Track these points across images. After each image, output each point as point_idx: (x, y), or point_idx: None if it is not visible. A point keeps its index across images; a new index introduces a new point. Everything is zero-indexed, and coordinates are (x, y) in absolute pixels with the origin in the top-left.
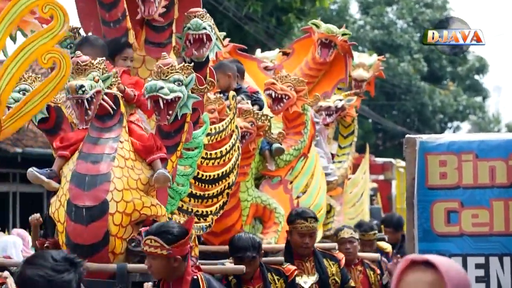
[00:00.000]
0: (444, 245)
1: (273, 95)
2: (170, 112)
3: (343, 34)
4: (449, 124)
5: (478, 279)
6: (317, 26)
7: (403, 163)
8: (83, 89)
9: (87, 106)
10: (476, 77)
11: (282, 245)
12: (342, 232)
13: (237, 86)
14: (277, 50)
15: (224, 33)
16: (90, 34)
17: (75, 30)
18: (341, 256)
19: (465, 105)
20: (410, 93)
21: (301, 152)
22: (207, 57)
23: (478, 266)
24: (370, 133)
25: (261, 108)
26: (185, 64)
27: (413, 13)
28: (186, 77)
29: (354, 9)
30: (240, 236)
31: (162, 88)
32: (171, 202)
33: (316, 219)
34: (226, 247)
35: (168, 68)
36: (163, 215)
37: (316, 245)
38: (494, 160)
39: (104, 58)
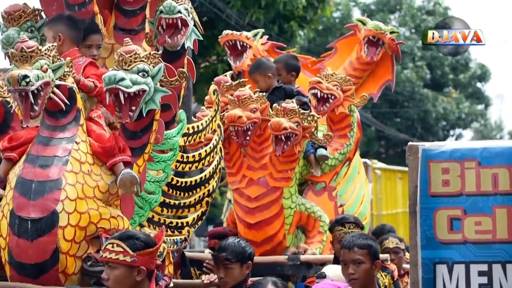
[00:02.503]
0: (447, 253)
1: (319, 94)
2: (133, 108)
3: (391, 32)
4: (451, 132)
5: (481, 287)
6: (363, 23)
7: (380, 164)
8: (27, 79)
9: (33, 100)
10: (478, 84)
11: (328, 256)
12: (387, 241)
13: (278, 84)
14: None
15: (263, 30)
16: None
17: (36, 12)
18: (393, 267)
19: (467, 113)
20: (413, 100)
21: (347, 157)
22: (183, 46)
23: (481, 273)
24: (372, 140)
25: None
26: (152, 52)
27: (415, 20)
28: (153, 67)
29: (357, 17)
30: (228, 238)
31: (123, 79)
32: (139, 213)
33: (357, 225)
34: (268, 258)
35: (131, 57)
36: (125, 229)
37: None
38: (497, 167)
39: (77, 45)
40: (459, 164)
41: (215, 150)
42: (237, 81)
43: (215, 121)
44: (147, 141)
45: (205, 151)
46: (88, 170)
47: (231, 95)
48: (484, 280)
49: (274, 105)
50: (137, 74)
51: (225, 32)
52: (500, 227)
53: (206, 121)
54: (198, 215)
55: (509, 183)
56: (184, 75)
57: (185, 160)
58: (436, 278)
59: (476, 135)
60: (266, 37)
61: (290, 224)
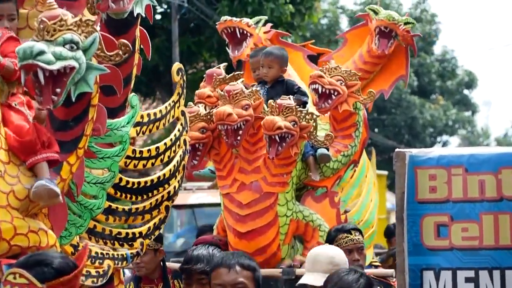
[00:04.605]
0: (433, 259)
1: (320, 90)
2: (58, 90)
3: (406, 23)
4: (438, 139)
5: None
6: (376, 13)
7: None
8: None
9: None
10: (465, 91)
11: None
12: None
13: (281, 78)
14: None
15: (266, 17)
16: None
17: None
18: None
19: (455, 120)
20: (400, 107)
21: (351, 159)
22: (132, 14)
23: (468, 280)
24: None
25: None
26: (84, 18)
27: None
28: (85, 37)
29: (344, 24)
30: (197, 247)
31: (42, 52)
32: (77, 223)
33: (360, 232)
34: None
35: (55, 24)
36: (51, 246)
37: (369, 271)
38: (483, 174)
39: None
40: (446, 171)
41: (178, 143)
42: (231, 74)
43: (178, 107)
44: (82, 133)
45: (165, 144)
46: (1, 171)
47: (222, 90)
48: (471, 286)
49: (270, 101)
50: (63, 46)
51: (224, 18)
52: (487, 234)
53: (166, 107)
54: (155, 224)
55: (496, 190)
56: (127, 48)
57: (137, 155)
58: (423, 285)
59: (463, 141)
60: (269, 25)
61: (286, 233)
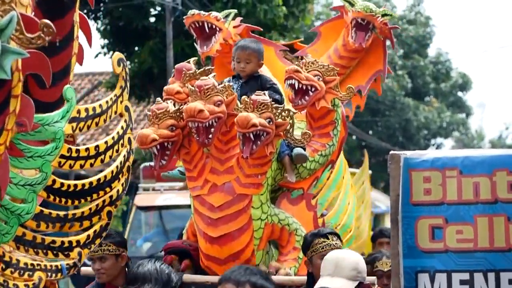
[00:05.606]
0: (428, 261)
1: (297, 85)
2: None
3: (384, 15)
4: (432, 141)
5: None
6: (352, 4)
7: None
8: None
9: None
10: (459, 93)
11: (305, 277)
12: (380, 262)
13: (256, 74)
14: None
15: (235, 11)
16: None
17: None
18: None
19: (449, 122)
20: (394, 109)
21: (329, 159)
22: None
23: (462, 282)
24: (354, 149)
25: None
26: None
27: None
28: (0, 16)
29: None
30: (143, 262)
31: None
32: (2, 229)
33: (338, 236)
34: None
35: None
36: None
37: None
38: (478, 176)
39: None
40: (441, 173)
41: (121, 141)
42: (201, 69)
43: (121, 102)
44: (1, 127)
45: (106, 142)
46: None
47: (192, 85)
48: None
49: (243, 97)
50: None
51: (191, 12)
52: (481, 236)
53: (107, 102)
54: (95, 231)
55: (490, 192)
56: (50, 29)
57: (74, 154)
58: (418, 287)
59: (457, 144)
60: (239, 18)
61: (260, 238)
